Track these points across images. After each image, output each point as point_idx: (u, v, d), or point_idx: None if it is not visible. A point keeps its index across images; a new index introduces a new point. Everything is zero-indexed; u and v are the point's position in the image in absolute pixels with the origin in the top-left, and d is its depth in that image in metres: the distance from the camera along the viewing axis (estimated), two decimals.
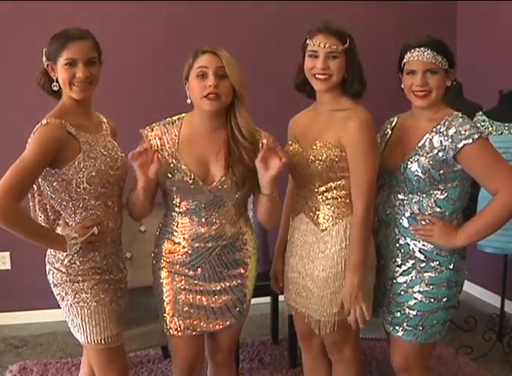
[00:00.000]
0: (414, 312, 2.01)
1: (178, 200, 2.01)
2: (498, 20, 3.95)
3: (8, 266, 3.80)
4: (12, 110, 3.65)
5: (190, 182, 1.97)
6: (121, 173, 2.04)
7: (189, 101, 1.99)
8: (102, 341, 1.96)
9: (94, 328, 1.95)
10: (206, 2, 3.83)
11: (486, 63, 4.00)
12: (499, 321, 3.26)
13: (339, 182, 2.02)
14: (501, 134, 2.99)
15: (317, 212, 2.06)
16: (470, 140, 1.87)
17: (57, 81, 1.95)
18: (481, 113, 3.10)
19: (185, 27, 3.82)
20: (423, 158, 1.95)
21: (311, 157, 2.01)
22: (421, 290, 2.00)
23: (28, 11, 3.61)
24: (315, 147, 2.01)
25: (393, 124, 2.17)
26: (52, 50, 1.92)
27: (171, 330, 2.07)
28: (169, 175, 1.98)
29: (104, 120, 2.12)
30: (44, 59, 1.95)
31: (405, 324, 2.03)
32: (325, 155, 1.99)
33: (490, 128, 3.01)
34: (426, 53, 1.93)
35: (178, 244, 2.05)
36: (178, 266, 2.05)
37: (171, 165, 1.98)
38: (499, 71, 3.89)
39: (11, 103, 3.67)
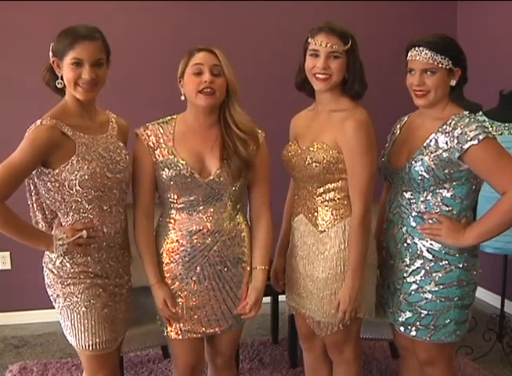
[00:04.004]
0: (426, 312, 2.00)
1: (175, 196, 2.01)
2: (498, 20, 3.95)
3: (8, 266, 3.80)
4: (13, 108, 3.64)
5: (187, 175, 1.97)
6: (123, 176, 1.98)
7: (182, 98, 2.01)
8: (90, 348, 1.93)
9: (82, 333, 1.92)
10: (207, 2, 3.83)
11: (486, 63, 4.00)
12: (499, 321, 3.26)
13: (337, 184, 2.01)
14: (501, 134, 2.98)
15: (315, 214, 2.06)
16: (476, 141, 1.83)
17: (62, 79, 1.89)
18: (481, 113, 3.10)
19: (184, 25, 3.82)
20: (426, 158, 1.93)
21: (309, 159, 2.00)
22: (432, 289, 1.98)
23: (31, 9, 3.61)
24: (312, 149, 2.01)
25: (402, 123, 2.16)
26: (58, 47, 1.86)
27: (171, 334, 2.06)
28: (166, 170, 1.98)
29: (113, 119, 2.07)
30: (50, 54, 1.90)
31: (417, 323, 2.01)
32: (322, 157, 1.98)
33: (490, 128, 3.01)
34: (423, 53, 1.90)
35: (177, 242, 2.03)
36: (177, 267, 2.03)
37: (168, 160, 1.99)
38: (499, 71, 3.89)
39: (12, 101, 3.66)
